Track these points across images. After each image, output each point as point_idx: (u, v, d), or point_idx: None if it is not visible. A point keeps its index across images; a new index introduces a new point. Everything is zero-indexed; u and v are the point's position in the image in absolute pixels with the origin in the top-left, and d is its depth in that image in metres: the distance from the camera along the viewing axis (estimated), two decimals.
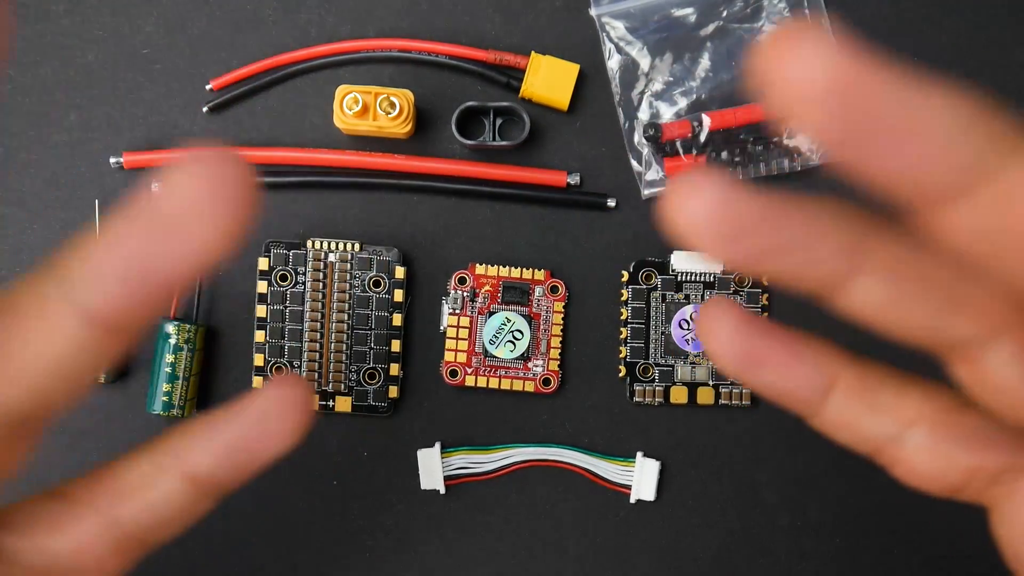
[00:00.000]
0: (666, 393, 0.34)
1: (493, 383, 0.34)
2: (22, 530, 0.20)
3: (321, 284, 0.33)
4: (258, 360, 0.33)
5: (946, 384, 0.19)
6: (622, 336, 0.34)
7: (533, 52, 0.34)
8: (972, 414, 0.19)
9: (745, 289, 0.33)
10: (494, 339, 0.34)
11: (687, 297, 0.34)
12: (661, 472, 0.34)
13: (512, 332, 0.34)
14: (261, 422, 0.20)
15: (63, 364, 0.17)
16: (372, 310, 0.33)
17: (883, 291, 0.17)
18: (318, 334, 0.33)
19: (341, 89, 0.32)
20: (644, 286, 0.34)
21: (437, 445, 0.34)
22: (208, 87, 0.34)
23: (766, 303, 0.34)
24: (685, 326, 0.34)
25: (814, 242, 0.16)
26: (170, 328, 0.32)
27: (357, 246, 0.33)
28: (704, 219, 0.15)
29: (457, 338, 0.34)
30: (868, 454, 0.20)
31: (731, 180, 0.15)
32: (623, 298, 0.34)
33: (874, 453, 0.20)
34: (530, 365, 0.34)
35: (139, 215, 0.17)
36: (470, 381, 0.34)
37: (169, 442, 0.20)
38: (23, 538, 0.19)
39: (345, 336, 0.33)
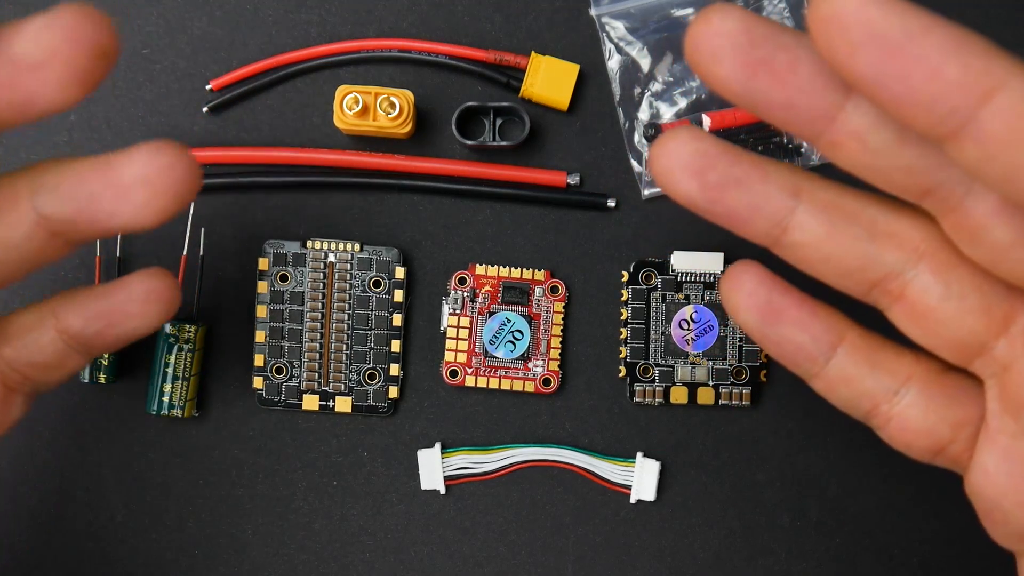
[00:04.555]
0: (666, 393, 0.34)
1: (493, 383, 0.34)
2: None
3: (321, 284, 0.33)
4: (258, 360, 0.33)
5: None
6: (622, 336, 0.34)
7: (533, 52, 0.34)
8: (955, 376, 0.22)
9: None
10: (494, 339, 0.34)
11: (687, 297, 0.34)
12: (661, 472, 0.34)
13: (512, 332, 0.34)
14: (127, 303, 0.24)
15: (11, 249, 0.22)
16: (372, 310, 0.33)
17: (819, 225, 0.20)
18: (318, 334, 0.33)
19: (341, 89, 0.32)
20: (644, 286, 0.34)
21: (437, 445, 0.34)
22: (208, 87, 0.34)
23: None
24: (685, 326, 0.34)
25: (763, 176, 0.20)
26: (170, 328, 0.32)
27: (357, 246, 0.33)
28: (678, 158, 0.19)
29: (457, 338, 0.34)
30: (862, 413, 0.23)
31: (698, 131, 0.19)
32: (623, 298, 0.34)
33: (868, 412, 0.22)
34: (530, 365, 0.34)
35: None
36: (470, 381, 0.34)
37: (50, 301, 0.25)
38: None
39: (345, 336, 0.33)
